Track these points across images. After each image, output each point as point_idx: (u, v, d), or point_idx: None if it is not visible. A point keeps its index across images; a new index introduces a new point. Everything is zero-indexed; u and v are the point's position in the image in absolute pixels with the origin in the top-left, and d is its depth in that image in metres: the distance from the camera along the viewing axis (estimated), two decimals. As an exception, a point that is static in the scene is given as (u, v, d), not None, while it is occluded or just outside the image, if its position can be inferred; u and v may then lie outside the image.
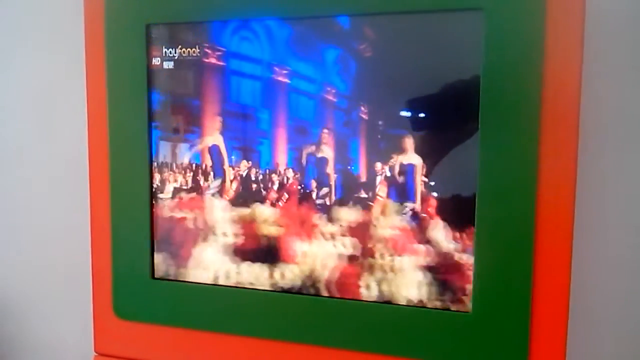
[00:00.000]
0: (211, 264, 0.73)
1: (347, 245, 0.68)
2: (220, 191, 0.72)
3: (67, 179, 0.99)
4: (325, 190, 0.68)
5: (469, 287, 0.63)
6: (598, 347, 0.78)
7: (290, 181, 0.70)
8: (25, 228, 1.06)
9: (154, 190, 0.74)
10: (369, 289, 0.67)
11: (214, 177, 0.73)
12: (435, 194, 0.64)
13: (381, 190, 0.66)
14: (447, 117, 0.63)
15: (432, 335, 0.65)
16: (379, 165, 0.66)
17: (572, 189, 0.60)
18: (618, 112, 0.75)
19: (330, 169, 0.68)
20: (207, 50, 0.70)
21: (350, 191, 0.67)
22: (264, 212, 0.71)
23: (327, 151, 0.68)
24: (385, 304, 0.67)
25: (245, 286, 0.72)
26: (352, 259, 0.68)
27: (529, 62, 0.59)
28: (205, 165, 0.73)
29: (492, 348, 0.63)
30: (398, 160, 0.65)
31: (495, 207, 0.62)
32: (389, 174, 0.66)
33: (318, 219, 0.69)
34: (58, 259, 1.03)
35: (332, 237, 0.68)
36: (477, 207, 0.62)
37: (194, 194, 0.74)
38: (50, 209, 1.03)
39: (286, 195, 0.70)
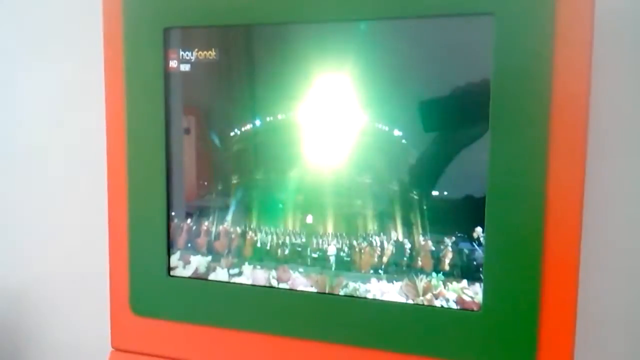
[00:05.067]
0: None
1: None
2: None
3: (85, 178, 1.01)
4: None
5: (480, 285, 0.65)
6: (606, 345, 0.79)
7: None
8: (43, 226, 1.08)
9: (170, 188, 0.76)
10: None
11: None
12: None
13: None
14: (457, 120, 0.65)
15: (442, 333, 0.66)
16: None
17: (580, 189, 0.61)
18: (627, 115, 0.76)
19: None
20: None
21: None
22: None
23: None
24: (396, 301, 0.68)
25: (260, 284, 0.74)
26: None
27: (539, 66, 0.60)
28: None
29: (501, 346, 0.64)
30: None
31: (505, 208, 0.62)
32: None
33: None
34: (76, 256, 1.05)
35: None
36: (487, 208, 0.63)
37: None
38: (68, 208, 1.05)
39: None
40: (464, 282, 0.66)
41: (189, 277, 0.77)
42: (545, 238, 0.62)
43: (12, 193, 1.10)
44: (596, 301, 0.78)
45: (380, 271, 0.69)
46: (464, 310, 0.65)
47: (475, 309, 0.65)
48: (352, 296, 0.70)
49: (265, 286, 0.74)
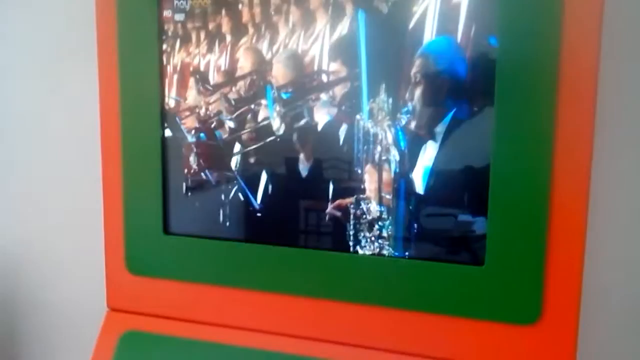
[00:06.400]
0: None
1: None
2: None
3: (78, 135, 0.99)
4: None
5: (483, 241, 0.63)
6: (610, 295, 0.78)
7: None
8: (37, 187, 1.06)
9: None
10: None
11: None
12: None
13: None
14: (463, 89, 0.63)
15: (446, 288, 0.65)
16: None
17: (588, 148, 0.59)
18: (636, 87, 0.74)
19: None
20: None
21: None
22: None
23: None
24: (403, 258, 0.67)
25: (257, 241, 0.72)
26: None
27: (546, 35, 0.58)
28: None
29: (506, 300, 0.63)
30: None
31: (509, 168, 0.61)
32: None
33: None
34: (71, 216, 1.03)
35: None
36: (492, 169, 0.61)
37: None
38: (62, 167, 1.03)
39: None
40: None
41: (186, 235, 0.75)
42: (552, 193, 0.60)
43: (7, 154, 1.07)
44: (603, 258, 0.77)
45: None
46: (468, 264, 0.64)
47: (478, 264, 0.64)
48: (356, 253, 0.69)
49: (263, 243, 0.72)
